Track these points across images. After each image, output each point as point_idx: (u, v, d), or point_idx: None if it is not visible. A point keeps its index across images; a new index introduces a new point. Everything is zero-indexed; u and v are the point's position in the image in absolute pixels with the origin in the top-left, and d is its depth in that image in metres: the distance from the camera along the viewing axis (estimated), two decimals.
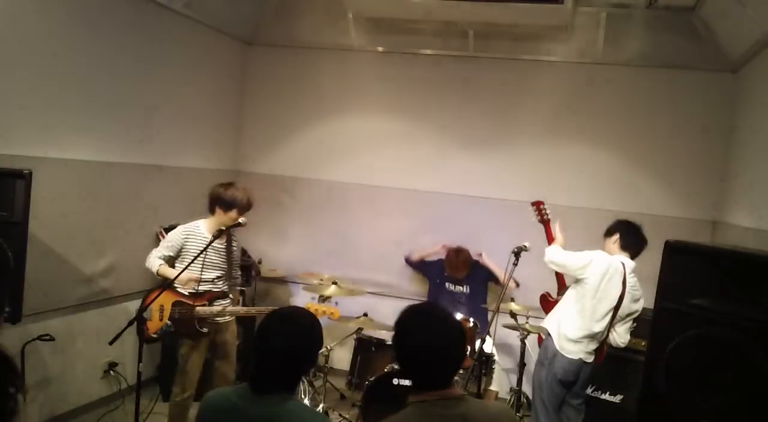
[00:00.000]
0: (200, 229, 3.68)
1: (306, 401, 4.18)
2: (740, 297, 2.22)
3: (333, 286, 4.43)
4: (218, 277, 3.74)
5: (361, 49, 5.44)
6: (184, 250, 3.65)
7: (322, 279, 4.68)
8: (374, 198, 5.42)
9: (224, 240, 3.75)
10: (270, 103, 5.69)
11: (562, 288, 3.95)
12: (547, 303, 4.07)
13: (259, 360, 1.92)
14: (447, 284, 4.84)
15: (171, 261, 3.67)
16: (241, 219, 3.66)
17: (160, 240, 4.66)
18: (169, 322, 3.58)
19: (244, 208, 3.66)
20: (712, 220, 4.64)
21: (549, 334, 3.65)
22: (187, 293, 3.64)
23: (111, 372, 4.36)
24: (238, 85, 5.69)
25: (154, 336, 3.58)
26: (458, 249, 4.81)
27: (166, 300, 3.59)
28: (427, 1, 4.48)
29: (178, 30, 4.70)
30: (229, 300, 3.82)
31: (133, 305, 4.17)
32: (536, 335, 4.21)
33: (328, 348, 4.40)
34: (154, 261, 3.63)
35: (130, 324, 3.15)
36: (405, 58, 5.35)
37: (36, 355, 3.67)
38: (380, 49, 5.44)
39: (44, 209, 3.45)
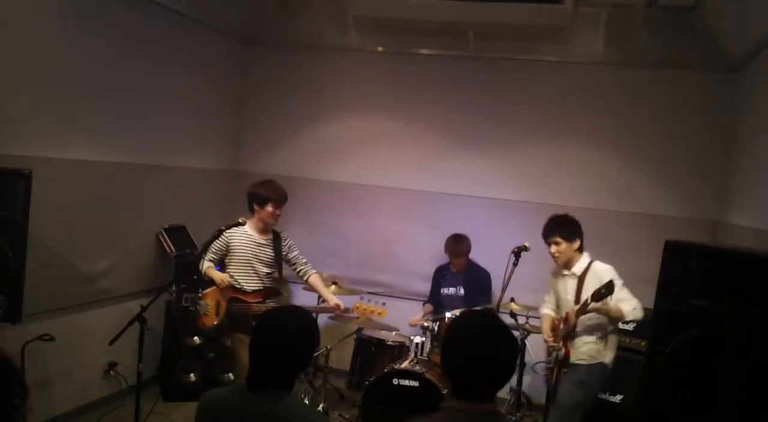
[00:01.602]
0: (245, 228, 3.84)
1: (306, 401, 4.17)
2: (740, 297, 2.22)
3: (333, 286, 4.43)
4: (268, 274, 3.90)
5: (361, 49, 5.43)
6: (230, 249, 3.84)
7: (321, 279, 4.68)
8: (374, 198, 5.42)
9: (269, 238, 3.91)
10: (270, 103, 5.69)
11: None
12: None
13: (255, 358, 1.93)
14: (443, 289, 4.80)
15: (222, 261, 3.91)
16: (240, 219, 3.70)
17: (160, 240, 4.69)
18: (225, 318, 3.76)
19: (277, 200, 3.84)
20: (712, 220, 4.64)
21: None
22: (248, 290, 3.83)
23: (111, 372, 4.35)
24: (238, 85, 5.69)
25: (208, 330, 3.79)
26: (456, 236, 4.73)
27: (222, 296, 3.78)
28: (427, 1, 4.48)
29: (178, 30, 4.70)
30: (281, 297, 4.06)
31: (133, 305, 4.17)
32: (537, 335, 4.20)
33: (328, 348, 4.40)
34: (203, 264, 3.83)
35: (130, 324, 3.15)
36: (405, 58, 5.35)
37: (36, 355, 3.67)
38: (380, 49, 5.44)
39: (44, 209, 3.45)
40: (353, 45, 5.42)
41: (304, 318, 2.02)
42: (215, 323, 3.77)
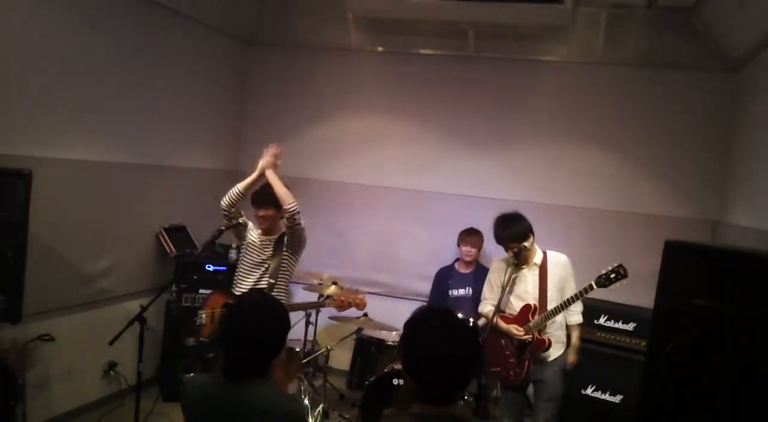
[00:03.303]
0: (251, 231, 3.79)
1: (306, 401, 4.17)
2: (740, 297, 2.22)
3: (333, 286, 4.42)
4: (261, 278, 3.72)
5: (361, 49, 5.44)
6: (244, 241, 3.78)
7: (321, 279, 4.68)
8: (374, 198, 5.42)
9: (272, 238, 3.75)
10: (270, 103, 5.69)
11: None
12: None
13: (227, 347, 1.99)
14: (451, 291, 4.76)
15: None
16: (240, 220, 3.69)
17: (160, 240, 4.69)
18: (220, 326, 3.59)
19: (252, 202, 3.72)
20: (712, 220, 4.64)
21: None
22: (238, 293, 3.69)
23: (111, 372, 4.36)
24: (238, 85, 5.69)
25: (206, 340, 3.65)
26: (471, 228, 4.79)
27: (216, 304, 3.67)
28: (427, 1, 4.48)
29: (179, 30, 4.70)
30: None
31: (133, 305, 4.17)
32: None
33: (328, 348, 4.40)
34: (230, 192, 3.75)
35: (130, 324, 3.14)
36: (405, 58, 5.35)
37: (36, 355, 3.67)
38: (380, 49, 5.44)
39: (44, 209, 3.45)
40: (353, 45, 5.42)
41: (272, 305, 2.07)
42: (211, 332, 3.64)
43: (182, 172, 4.93)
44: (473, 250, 4.72)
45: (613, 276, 3.19)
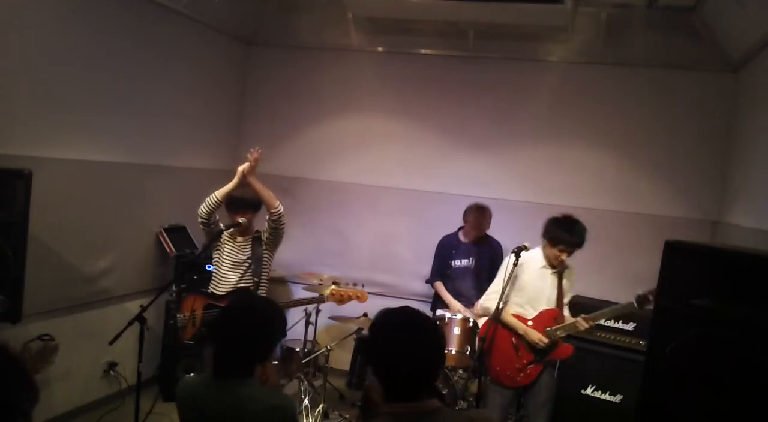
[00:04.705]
0: (225, 233, 3.77)
1: (306, 401, 4.17)
2: (740, 297, 2.21)
3: (333, 286, 4.42)
4: (241, 277, 3.73)
5: (361, 49, 5.44)
6: (220, 245, 3.77)
7: (321, 279, 4.68)
8: (374, 198, 5.42)
9: (248, 238, 3.76)
10: (270, 103, 5.69)
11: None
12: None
13: (216, 347, 2.02)
14: (454, 261, 4.63)
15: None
16: (240, 220, 3.68)
17: (160, 240, 4.69)
18: (203, 328, 3.62)
19: (229, 207, 3.68)
20: (712, 220, 4.64)
21: None
22: (220, 294, 3.70)
23: (111, 372, 4.36)
24: (238, 85, 5.69)
25: (190, 342, 3.66)
26: (480, 207, 4.53)
27: (197, 305, 3.67)
28: (427, 1, 4.48)
29: (179, 30, 4.70)
30: None
31: (133, 305, 4.17)
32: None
33: (328, 348, 4.40)
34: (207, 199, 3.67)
35: (130, 324, 3.14)
36: (405, 58, 5.36)
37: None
38: (380, 49, 5.44)
39: (44, 209, 3.45)
40: (353, 45, 5.42)
41: (264, 308, 2.10)
42: (194, 334, 3.64)
43: (182, 172, 4.93)
44: (479, 234, 4.56)
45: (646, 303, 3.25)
